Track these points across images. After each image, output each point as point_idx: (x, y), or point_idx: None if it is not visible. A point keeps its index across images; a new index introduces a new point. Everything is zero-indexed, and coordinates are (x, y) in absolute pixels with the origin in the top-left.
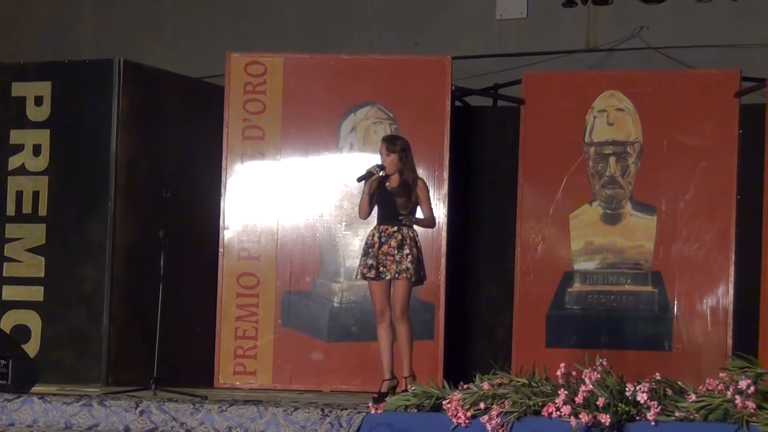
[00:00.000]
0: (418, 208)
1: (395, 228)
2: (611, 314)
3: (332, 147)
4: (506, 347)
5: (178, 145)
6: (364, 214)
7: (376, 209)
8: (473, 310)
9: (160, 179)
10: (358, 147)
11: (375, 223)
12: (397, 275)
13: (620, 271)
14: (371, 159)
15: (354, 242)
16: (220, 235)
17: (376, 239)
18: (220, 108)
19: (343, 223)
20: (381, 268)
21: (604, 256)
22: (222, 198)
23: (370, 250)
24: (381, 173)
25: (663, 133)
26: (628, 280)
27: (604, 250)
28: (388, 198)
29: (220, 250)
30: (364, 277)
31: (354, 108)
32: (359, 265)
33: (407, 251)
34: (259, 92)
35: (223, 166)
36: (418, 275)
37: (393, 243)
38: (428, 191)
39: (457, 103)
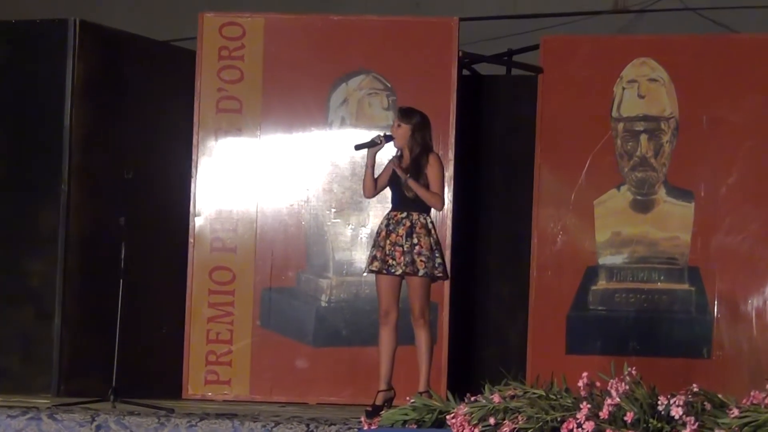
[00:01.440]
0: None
1: (404, 214)
2: (641, 316)
3: (320, 122)
4: (520, 353)
5: (143, 118)
6: (369, 192)
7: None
8: (482, 310)
9: (122, 158)
10: (351, 122)
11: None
12: (408, 269)
13: (652, 266)
14: (364, 135)
15: (345, 232)
16: (190, 223)
17: (383, 227)
18: (191, 76)
19: (333, 210)
20: (390, 261)
21: (633, 248)
22: (193, 180)
23: (377, 239)
24: (383, 143)
25: (702, 108)
26: (662, 277)
27: (633, 241)
28: (398, 179)
29: (190, 240)
30: (371, 270)
31: (346, 77)
32: (369, 257)
33: (416, 240)
34: (235, 58)
35: (194, 142)
36: (433, 269)
37: (401, 231)
38: (442, 169)
39: (465, 72)
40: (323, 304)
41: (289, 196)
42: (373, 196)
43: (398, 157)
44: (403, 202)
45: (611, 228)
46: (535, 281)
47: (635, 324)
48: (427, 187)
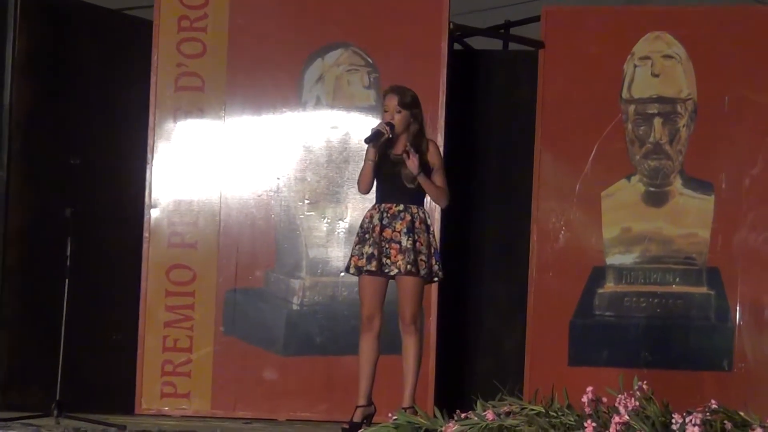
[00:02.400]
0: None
1: (401, 207)
2: (654, 323)
3: (293, 102)
4: (517, 364)
5: (92, 97)
6: (366, 187)
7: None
8: (474, 315)
9: (68, 142)
10: (327, 101)
11: (361, 202)
12: (407, 270)
13: (666, 266)
14: (342, 117)
15: (320, 226)
16: (145, 216)
17: (376, 221)
18: (147, 49)
19: (306, 201)
20: (384, 260)
21: (645, 246)
22: (148, 166)
23: (367, 235)
24: (390, 134)
25: (724, 88)
26: (677, 279)
27: (645, 239)
28: (392, 168)
29: (145, 234)
30: (359, 270)
31: (322, 51)
32: (352, 256)
33: (418, 237)
34: (197, 29)
35: (151, 125)
36: (432, 269)
37: (399, 226)
38: (440, 156)
39: (457, 46)
40: (295, 307)
41: (257, 185)
42: (369, 191)
43: (382, 143)
44: (399, 194)
45: (620, 223)
46: (535, 283)
47: (647, 332)
48: (427, 174)
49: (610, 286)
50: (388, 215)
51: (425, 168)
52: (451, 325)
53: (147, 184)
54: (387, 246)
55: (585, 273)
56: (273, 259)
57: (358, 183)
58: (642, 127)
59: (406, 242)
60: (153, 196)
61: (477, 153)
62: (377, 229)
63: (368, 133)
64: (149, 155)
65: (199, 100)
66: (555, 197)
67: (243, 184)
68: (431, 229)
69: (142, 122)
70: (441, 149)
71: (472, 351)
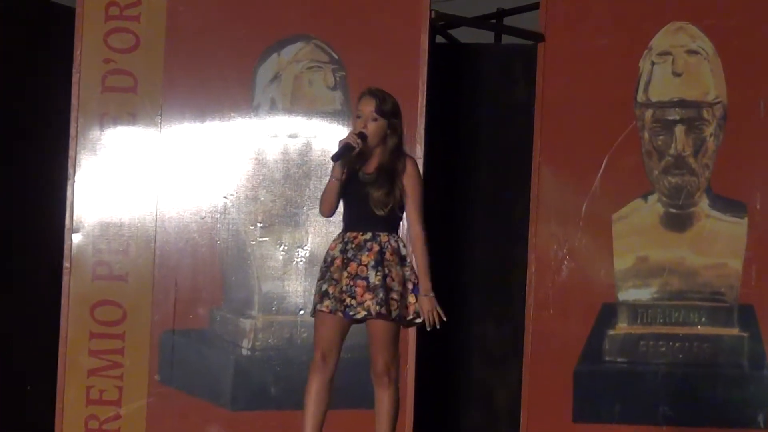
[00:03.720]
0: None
1: (368, 235)
2: (676, 371)
3: (243, 105)
4: (512, 420)
5: (3, 98)
6: (329, 209)
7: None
8: (461, 362)
9: None
10: (284, 105)
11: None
12: (377, 312)
13: (690, 303)
14: (302, 124)
15: (275, 254)
16: (66, 241)
17: (338, 253)
18: (68, 42)
19: (259, 225)
20: (348, 300)
21: (665, 280)
22: (69, 182)
23: (328, 271)
24: (360, 147)
25: (759, 89)
26: (703, 319)
27: (665, 270)
28: (360, 189)
29: (65, 264)
30: (321, 311)
31: (278, 45)
32: (315, 294)
33: (389, 270)
34: (129, 18)
35: (72, 132)
36: (406, 311)
37: (365, 258)
38: (422, 181)
39: (440, 39)
40: (245, 352)
41: (200, 205)
42: (334, 213)
43: (351, 159)
44: (366, 220)
45: (635, 252)
46: (532, 323)
47: (667, 382)
48: (400, 200)
49: (622, 327)
50: (353, 246)
51: (398, 200)
52: (433, 374)
53: (68, 203)
54: (351, 283)
55: (593, 311)
56: (219, 295)
57: (320, 204)
58: (661, 137)
59: (374, 278)
60: (75, 217)
61: (463, 167)
62: (337, 263)
63: (336, 149)
64: (70, 169)
65: (130, 102)
66: (557, 220)
67: (183, 203)
68: (407, 261)
69: (62, 129)
70: (421, 161)
71: (458, 405)
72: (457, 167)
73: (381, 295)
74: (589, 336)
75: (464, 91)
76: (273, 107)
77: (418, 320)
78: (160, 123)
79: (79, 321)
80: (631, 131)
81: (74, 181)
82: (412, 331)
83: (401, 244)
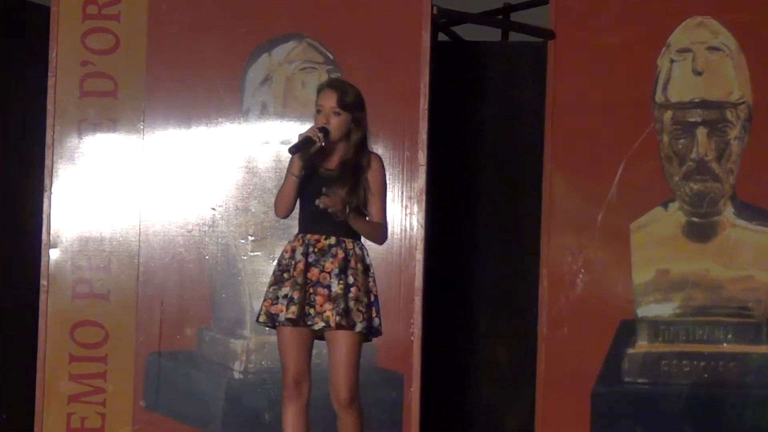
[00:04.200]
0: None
1: (332, 240)
2: (700, 392)
3: (231, 109)
4: None
5: None
6: (285, 210)
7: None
8: (469, 383)
9: None
10: (275, 109)
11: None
12: (337, 323)
13: (715, 319)
14: (295, 129)
15: (268, 269)
16: (42, 257)
17: (299, 257)
18: (44, 42)
19: (251, 239)
20: (307, 309)
21: (687, 294)
22: (46, 194)
23: (286, 274)
24: (322, 142)
25: None
26: (729, 335)
27: (687, 284)
28: (320, 187)
29: (42, 282)
30: (273, 321)
31: (268, 45)
32: (264, 300)
33: (354, 280)
34: (108, 17)
35: (48, 140)
36: (372, 322)
37: (329, 265)
38: (385, 179)
39: (442, 37)
40: (237, 375)
41: (187, 217)
42: (290, 214)
43: (311, 154)
44: (329, 222)
45: (655, 264)
46: (546, 342)
47: (691, 403)
48: (364, 199)
49: (642, 346)
50: (315, 250)
51: (362, 198)
52: (439, 397)
53: (44, 216)
54: (311, 291)
55: (610, 329)
56: (208, 314)
57: (276, 204)
58: (682, 140)
59: (336, 287)
60: (52, 232)
61: (468, 173)
62: (300, 266)
63: (297, 140)
64: (47, 180)
65: (110, 108)
66: (570, 231)
67: (168, 216)
68: (371, 271)
69: (38, 137)
70: (423, 167)
71: (466, 430)
72: (462, 175)
73: (342, 305)
74: (607, 355)
75: (469, 93)
76: (264, 111)
77: (377, 332)
78: (143, 129)
79: (57, 343)
80: (649, 134)
81: (51, 193)
82: (416, 350)
83: (366, 252)
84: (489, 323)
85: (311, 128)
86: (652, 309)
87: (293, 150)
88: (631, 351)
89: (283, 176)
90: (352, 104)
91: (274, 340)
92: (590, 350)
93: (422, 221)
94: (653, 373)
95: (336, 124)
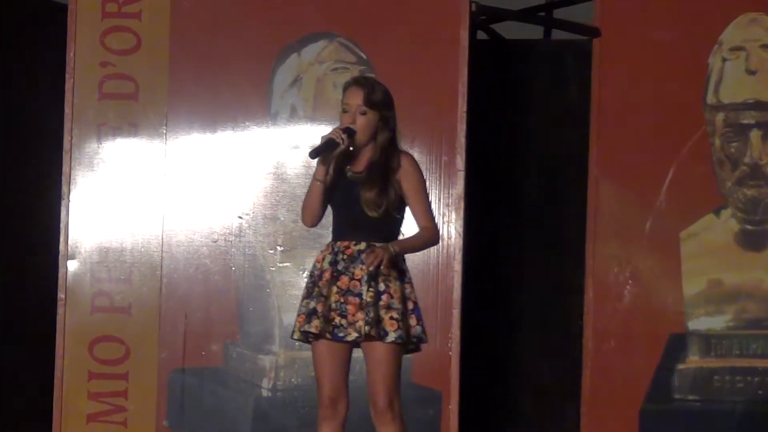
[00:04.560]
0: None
1: (362, 245)
2: (755, 409)
3: (259, 113)
4: None
5: None
6: (313, 217)
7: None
8: (510, 401)
9: None
10: (305, 113)
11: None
12: (371, 333)
13: None
14: (325, 133)
15: (298, 281)
16: (60, 269)
17: (326, 265)
18: (61, 42)
19: (279, 249)
20: (338, 320)
21: (741, 306)
22: (64, 202)
23: (315, 287)
24: (346, 143)
25: None
26: None
27: (741, 295)
28: (348, 191)
29: (60, 295)
30: (304, 335)
31: (298, 45)
32: (298, 315)
33: (384, 286)
34: (128, 15)
35: (66, 146)
36: (409, 332)
37: (358, 272)
38: (422, 177)
39: (481, 35)
40: (265, 393)
41: (212, 227)
42: (318, 221)
43: (336, 157)
44: (358, 226)
45: (707, 274)
46: (591, 357)
47: (745, 421)
48: (398, 202)
49: (693, 361)
50: (345, 257)
51: (393, 200)
52: (479, 415)
53: (62, 226)
54: (342, 300)
55: (659, 343)
56: (234, 328)
57: (302, 211)
58: (735, 143)
59: (366, 294)
60: (70, 242)
61: (510, 179)
62: (326, 276)
63: (319, 143)
64: (65, 187)
65: (131, 111)
66: (617, 240)
67: (193, 225)
68: (407, 276)
69: (55, 142)
70: (462, 173)
71: None
72: (503, 181)
73: (372, 314)
74: (656, 371)
75: (509, 95)
76: (293, 115)
77: (417, 341)
78: (165, 134)
79: (76, 359)
80: (700, 137)
81: (69, 201)
82: (454, 366)
83: (402, 256)
84: (531, 337)
85: (334, 129)
86: (703, 322)
87: (313, 154)
88: (681, 366)
89: (315, 171)
90: (380, 102)
91: (305, 356)
92: (638, 365)
93: (461, 230)
94: (705, 389)
95: (363, 123)
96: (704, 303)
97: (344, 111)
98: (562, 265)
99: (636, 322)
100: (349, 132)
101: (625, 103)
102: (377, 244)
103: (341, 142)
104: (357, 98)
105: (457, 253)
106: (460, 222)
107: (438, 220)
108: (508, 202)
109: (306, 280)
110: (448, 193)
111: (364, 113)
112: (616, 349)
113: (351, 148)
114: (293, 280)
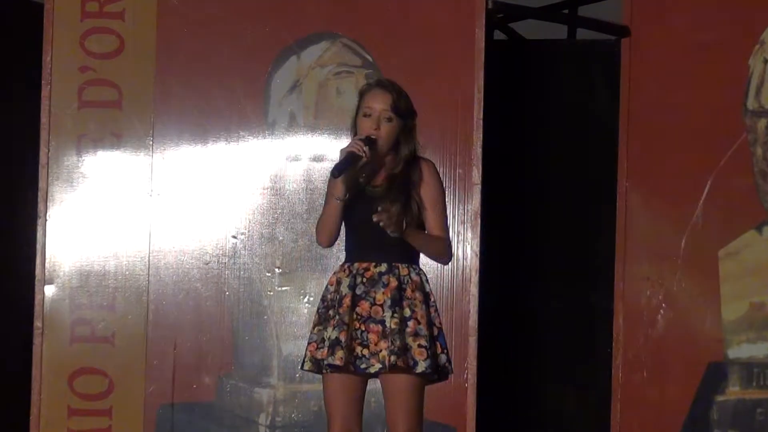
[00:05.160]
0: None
1: (383, 267)
2: None
3: (255, 122)
4: None
5: None
6: (330, 237)
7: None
8: None
9: None
10: (305, 121)
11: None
12: (392, 364)
13: None
14: (329, 144)
15: (298, 307)
16: (36, 295)
17: (345, 289)
18: (37, 45)
19: (278, 271)
20: (359, 350)
21: None
22: (40, 222)
23: (331, 311)
24: (369, 156)
25: None
26: None
27: None
28: (367, 207)
29: (36, 323)
30: (318, 366)
31: (297, 46)
32: (309, 343)
33: (412, 312)
34: (111, 15)
35: (43, 159)
36: (437, 360)
37: (380, 296)
38: (442, 187)
39: (499, 35)
40: (263, 429)
41: (203, 247)
42: (335, 241)
43: (356, 171)
44: (378, 246)
45: (749, 297)
46: (622, 389)
47: None
48: (417, 215)
49: (734, 392)
50: (365, 280)
51: (416, 217)
52: None
53: (39, 247)
54: (363, 328)
55: (697, 372)
56: (229, 359)
57: (318, 231)
58: None
59: (390, 321)
60: (48, 265)
61: (530, 193)
62: (347, 301)
63: (340, 157)
64: (41, 205)
65: (114, 120)
66: (649, 259)
67: (182, 246)
68: (432, 299)
69: (30, 155)
70: (478, 187)
71: None
72: (524, 194)
73: (398, 342)
74: (693, 403)
75: (530, 100)
76: (292, 123)
77: (445, 371)
78: (152, 145)
79: (54, 394)
80: (740, 146)
81: (46, 220)
82: (471, 400)
83: (424, 278)
84: (555, 367)
85: (354, 141)
86: (745, 349)
87: (336, 172)
88: (720, 398)
89: (314, 198)
90: (406, 110)
91: (306, 389)
92: (673, 397)
93: (477, 249)
94: (747, 423)
95: (387, 131)
96: (746, 328)
97: (365, 115)
98: (589, 288)
99: (670, 350)
100: (369, 142)
101: (658, 109)
102: (400, 265)
103: (363, 155)
104: (383, 102)
105: (473, 275)
106: (477, 241)
107: (453, 239)
108: (528, 218)
109: (307, 305)
110: (464, 209)
111: (390, 120)
112: (648, 379)
113: (370, 160)
114: (293, 306)
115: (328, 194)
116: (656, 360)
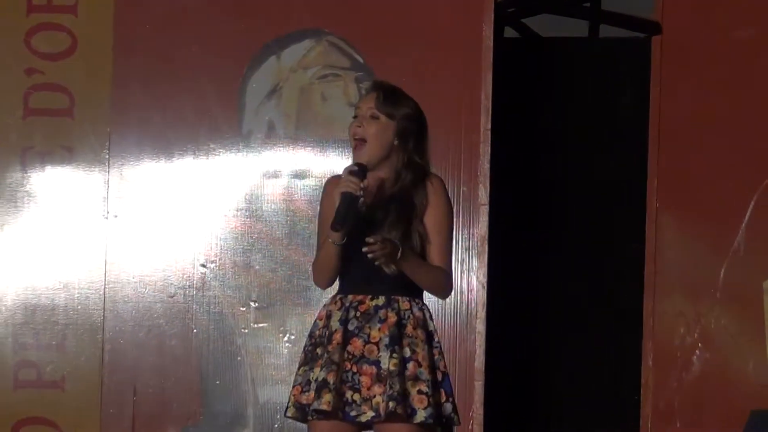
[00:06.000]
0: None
1: (380, 300)
2: None
3: (227, 132)
4: None
5: None
6: (329, 279)
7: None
8: None
9: None
10: (286, 131)
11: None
12: (388, 411)
13: None
14: (313, 158)
15: (277, 346)
16: None
17: (335, 324)
18: None
19: (254, 305)
20: (348, 394)
21: None
22: None
23: (319, 350)
24: (362, 193)
25: None
26: None
27: None
28: (362, 231)
29: None
30: (302, 412)
31: (277, 44)
32: (293, 386)
33: (412, 351)
34: (61, 9)
35: None
36: (441, 410)
37: (376, 333)
38: (451, 208)
39: (510, 32)
40: None
41: (168, 278)
42: (332, 284)
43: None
44: (374, 276)
45: None
46: None
47: None
48: (419, 240)
49: None
50: (358, 314)
51: (413, 235)
52: None
53: None
54: (354, 369)
55: (738, 422)
56: (197, 407)
57: (315, 272)
58: None
59: (387, 362)
60: None
61: (545, 214)
62: (337, 338)
63: (337, 200)
64: None
65: (65, 131)
66: (683, 290)
67: (143, 276)
68: (435, 339)
69: None
70: (486, 207)
71: None
72: (538, 215)
73: (397, 386)
74: None
75: (547, 106)
76: (271, 134)
77: (450, 419)
78: (108, 160)
79: None
80: None
81: None
82: None
83: (428, 315)
84: (576, 416)
85: (344, 179)
86: None
87: (338, 226)
88: None
89: (295, 220)
90: (395, 107)
91: None
92: None
93: (484, 280)
94: None
95: (372, 131)
96: None
97: (354, 117)
98: (613, 326)
99: (708, 396)
100: (361, 172)
101: (693, 118)
102: (400, 298)
103: (360, 192)
104: (369, 100)
105: (479, 309)
106: (484, 270)
107: (456, 268)
108: (544, 243)
109: (287, 345)
110: (469, 233)
111: (375, 117)
112: (682, 429)
113: (361, 195)
114: (271, 345)
115: (322, 232)
116: (691, 408)
